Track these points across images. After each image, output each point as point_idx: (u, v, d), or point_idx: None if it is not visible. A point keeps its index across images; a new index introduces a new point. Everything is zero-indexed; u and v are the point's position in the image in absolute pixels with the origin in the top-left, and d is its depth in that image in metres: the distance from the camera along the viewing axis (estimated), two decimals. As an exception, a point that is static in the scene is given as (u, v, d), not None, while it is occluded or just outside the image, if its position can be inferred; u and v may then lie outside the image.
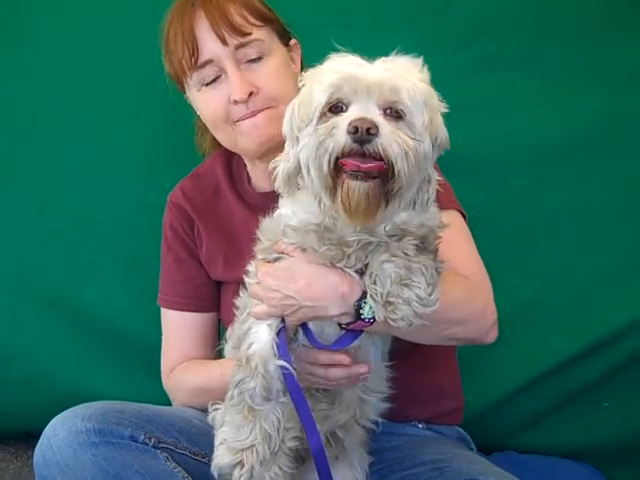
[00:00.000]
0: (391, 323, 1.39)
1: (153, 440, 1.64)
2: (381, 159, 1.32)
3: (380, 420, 1.69)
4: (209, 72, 1.80)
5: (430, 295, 1.38)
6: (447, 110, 1.45)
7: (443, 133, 1.45)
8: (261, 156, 1.85)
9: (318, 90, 1.39)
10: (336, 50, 1.43)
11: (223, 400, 1.53)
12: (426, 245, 1.43)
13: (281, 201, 1.54)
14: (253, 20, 1.80)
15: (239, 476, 1.45)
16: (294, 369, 1.47)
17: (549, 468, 2.29)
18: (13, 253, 2.45)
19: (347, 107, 1.37)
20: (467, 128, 2.11)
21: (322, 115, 1.38)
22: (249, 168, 1.96)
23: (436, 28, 2.38)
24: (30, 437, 2.20)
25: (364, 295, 1.42)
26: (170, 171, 2.22)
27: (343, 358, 1.54)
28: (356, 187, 1.34)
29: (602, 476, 2.32)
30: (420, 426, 1.89)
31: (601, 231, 2.34)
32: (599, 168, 2.34)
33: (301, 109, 1.43)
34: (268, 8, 1.87)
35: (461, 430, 1.97)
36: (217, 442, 1.49)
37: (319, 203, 1.43)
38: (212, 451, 1.50)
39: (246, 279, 1.57)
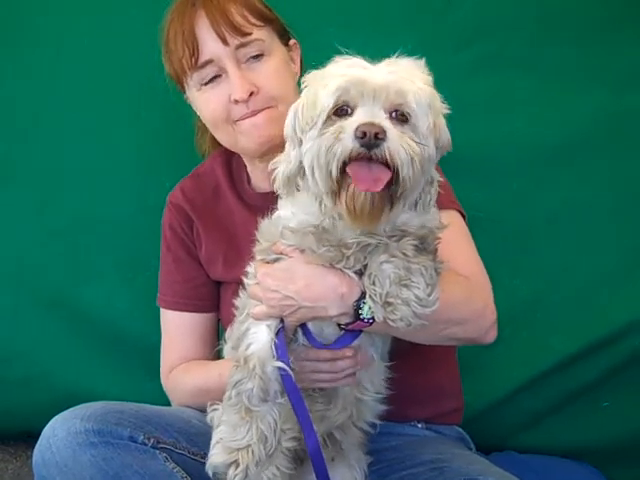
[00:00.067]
0: (390, 323, 1.39)
1: (152, 440, 1.64)
2: (387, 164, 1.32)
3: (378, 422, 1.69)
4: (209, 72, 1.80)
5: (429, 296, 1.38)
6: (449, 112, 1.45)
7: (445, 135, 1.45)
8: (261, 156, 1.85)
9: (324, 93, 1.38)
10: (336, 50, 1.44)
11: (222, 400, 1.53)
12: (425, 246, 1.43)
13: (280, 202, 1.55)
14: (253, 20, 1.80)
15: (234, 476, 1.46)
16: (292, 370, 1.47)
17: (549, 468, 2.29)
18: (13, 253, 2.45)
19: (353, 110, 1.37)
20: (467, 128, 2.09)
21: (327, 118, 1.38)
22: (249, 168, 1.96)
23: (436, 28, 2.38)
24: (30, 437, 2.20)
25: (363, 295, 1.43)
26: (170, 171, 2.22)
27: (346, 351, 1.55)
28: (361, 192, 1.34)
29: (602, 476, 2.32)
30: (420, 426, 1.89)
31: (601, 231, 2.34)
32: (599, 168, 2.34)
33: (305, 112, 1.43)
34: (268, 8, 1.87)
35: (461, 430, 1.97)
36: (213, 441, 1.50)
37: (320, 204, 1.44)
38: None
39: (245, 280, 1.57)
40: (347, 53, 1.42)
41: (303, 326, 1.53)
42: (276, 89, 1.80)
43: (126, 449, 1.60)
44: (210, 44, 1.78)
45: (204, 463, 1.55)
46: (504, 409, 2.35)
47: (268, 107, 1.80)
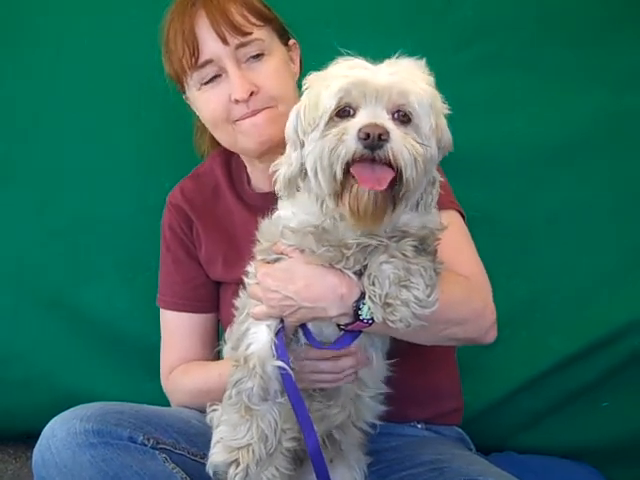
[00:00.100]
0: (389, 324, 1.39)
1: (152, 441, 1.65)
2: (390, 164, 1.32)
3: (377, 423, 1.70)
4: (209, 71, 1.80)
5: (429, 296, 1.38)
6: (450, 112, 1.45)
7: (447, 135, 1.45)
8: (260, 156, 1.84)
9: (326, 95, 1.38)
10: (335, 51, 1.43)
11: (221, 401, 1.53)
12: (425, 246, 1.44)
13: (280, 202, 1.55)
14: (253, 20, 1.80)
15: (234, 475, 1.46)
16: (292, 369, 1.47)
17: (548, 468, 2.29)
18: (13, 253, 2.45)
19: (355, 112, 1.37)
20: (467, 128, 2.08)
21: (329, 120, 1.38)
22: (248, 169, 1.96)
23: (436, 28, 2.38)
24: (29, 438, 2.20)
25: (363, 296, 1.43)
26: (170, 171, 2.22)
27: (346, 353, 1.55)
28: (365, 192, 1.34)
29: (601, 476, 2.32)
30: (419, 426, 1.89)
31: (601, 231, 2.34)
32: (599, 168, 2.34)
33: (307, 113, 1.42)
34: (267, 8, 1.87)
35: (460, 430, 1.97)
36: (214, 440, 1.50)
37: (321, 205, 1.43)
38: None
39: (245, 280, 1.58)
40: (347, 54, 1.42)
41: (303, 326, 1.53)
42: (276, 89, 1.80)
43: (125, 450, 1.60)
44: (210, 44, 1.78)
45: (204, 463, 1.55)
46: (504, 409, 2.35)
47: (268, 107, 1.79)
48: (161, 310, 2.00)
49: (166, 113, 2.32)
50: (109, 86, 2.42)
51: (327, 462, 1.56)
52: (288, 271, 1.48)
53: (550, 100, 2.35)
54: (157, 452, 1.64)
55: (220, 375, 1.68)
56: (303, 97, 1.46)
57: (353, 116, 1.36)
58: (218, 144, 1.95)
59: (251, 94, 1.77)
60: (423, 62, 1.43)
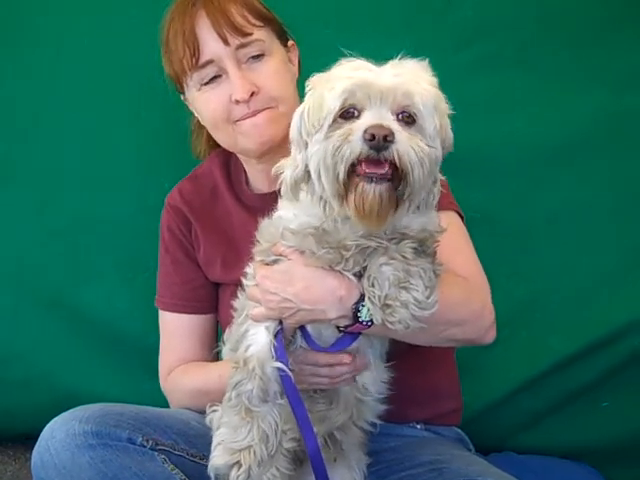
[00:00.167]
0: (389, 326, 1.39)
1: (151, 442, 1.65)
2: (395, 165, 1.32)
3: (378, 422, 1.69)
4: (209, 72, 1.79)
5: (428, 298, 1.38)
6: (452, 112, 1.45)
7: (449, 136, 1.45)
8: (260, 156, 1.84)
9: (330, 96, 1.37)
10: (335, 51, 1.43)
11: (221, 402, 1.53)
12: (424, 248, 1.43)
13: (281, 203, 1.54)
14: (254, 20, 1.80)
15: (236, 477, 1.45)
16: (291, 371, 1.47)
17: (548, 468, 2.29)
18: (13, 253, 2.45)
19: (359, 113, 1.36)
20: (467, 128, 2.08)
21: (333, 121, 1.37)
22: (247, 170, 1.95)
23: (436, 28, 2.38)
24: (28, 439, 2.20)
25: (362, 298, 1.43)
26: (169, 172, 2.22)
27: (343, 357, 1.55)
28: (370, 189, 1.33)
29: (601, 476, 2.32)
30: (418, 427, 1.89)
31: (601, 231, 2.34)
32: (599, 168, 2.34)
33: (311, 115, 1.41)
34: (267, 8, 1.87)
35: (459, 431, 1.97)
36: (214, 443, 1.50)
37: (323, 206, 1.43)
38: (210, 453, 1.50)
39: (244, 281, 1.57)
40: (349, 55, 1.42)
41: (302, 328, 1.53)
42: (276, 89, 1.80)
43: (125, 451, 1.60)
44: (211, 44, 1.77)
45: (203, 465, 1.55)
46: (503, 410, 2.35)
47: (268, 107, 1.79)
48: (160, 311, 2.00)
49: (166, 113, 2.32)
50: (109, 86, 2.42)
51: (330, 462, 1.58)
52: (287, 273, 1.48)
53: (550, 100, 2.35)
54: (156, 453, 1.64)
55: (220, 376, 1.67)
56: (307, 98, 1.45)
57: (357, 117, 1.36)
58: (215, 145, 1.95)
59: (252, 94, 1.77)
60: (427, 63, 1.43)
